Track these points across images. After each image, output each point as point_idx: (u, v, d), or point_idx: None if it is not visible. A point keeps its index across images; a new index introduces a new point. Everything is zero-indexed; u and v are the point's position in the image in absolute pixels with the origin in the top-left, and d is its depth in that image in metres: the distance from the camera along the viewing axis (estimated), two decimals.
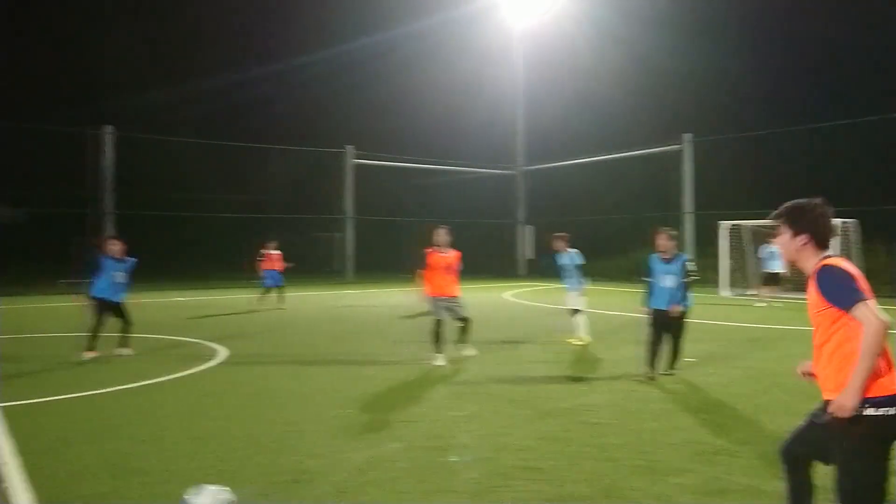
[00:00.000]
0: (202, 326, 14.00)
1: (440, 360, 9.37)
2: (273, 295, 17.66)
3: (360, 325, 14.58)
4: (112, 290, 10.11)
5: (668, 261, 8.46)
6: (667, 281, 8.33)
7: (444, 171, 34.24)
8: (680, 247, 11.87)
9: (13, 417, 6.52)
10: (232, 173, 35.12)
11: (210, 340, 11.61)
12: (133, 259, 10.45)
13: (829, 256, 3.32)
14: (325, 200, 32.09)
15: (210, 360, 9.90)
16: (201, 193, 33.11)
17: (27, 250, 26.83)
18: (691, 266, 8.69)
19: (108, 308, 10.11)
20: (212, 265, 29.13)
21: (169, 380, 8.49)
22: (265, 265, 17.84)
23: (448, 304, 9.69)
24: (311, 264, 37.37)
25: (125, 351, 10.15)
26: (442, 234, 9.78)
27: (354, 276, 29.23)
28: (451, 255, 9.83)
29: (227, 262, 28.34)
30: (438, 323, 9.57)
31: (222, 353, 10.48)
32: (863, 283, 3.18)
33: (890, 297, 18.75)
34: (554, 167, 33.29)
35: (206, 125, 35.14)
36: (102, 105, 32.25)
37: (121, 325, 10.28)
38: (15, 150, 28.63)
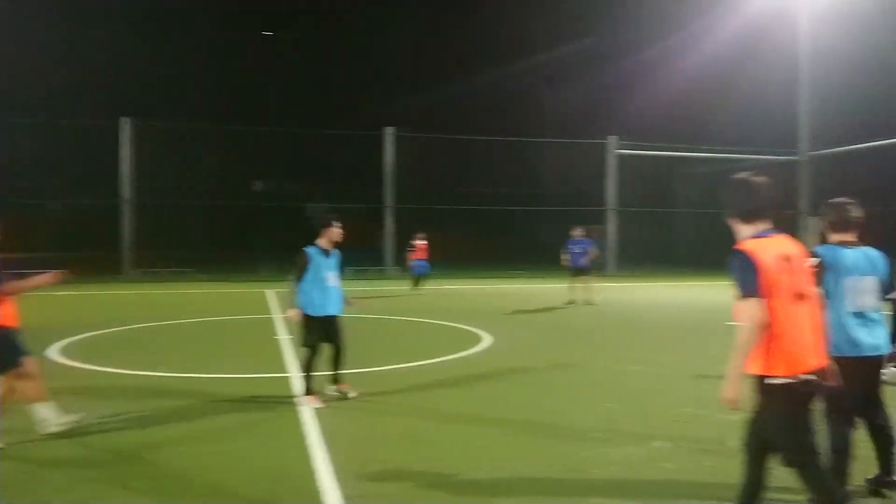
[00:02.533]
0: (470, 313, 14.75)
1: None
2: (421, 282, 19.88)
3: (622, 320, 14.36)
4: None
5: None
6: None
7: (714, 159, 32.28)
8: None
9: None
10: (500, 167, 36.69)
11: (477, 327, 12.24)
12: None
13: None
14: (589, 192, 32.07)
15: (477, 345, 10.48)
16: (473, 188, 35.22)
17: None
18: None
19: None
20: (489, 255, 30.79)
21: (444, 361, 9.15)
22: (414, 255, 19.91)
23: None
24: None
25: None
26: None
27: (616, 269, 28.80)
28: None
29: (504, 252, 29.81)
30: None
31: (488, 339, 11.02)
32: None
33: None
34: (846, 151, 29.65)
35: (472, 121, 37.03)
36: (384, 108, 35.78)
37: None
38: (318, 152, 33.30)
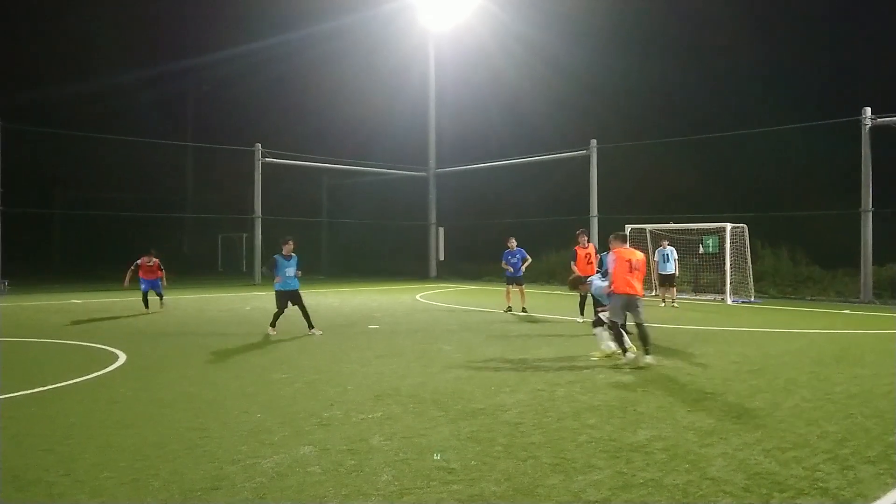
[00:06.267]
0: (101, 330, 13.42)
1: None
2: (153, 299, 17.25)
3: (264, 327, 14.25)
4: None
5: None
6: None
7: (359, 172, 34.06)
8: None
9: None
10: (140, 172, 33.84)
11: (109, 345, 11.13)
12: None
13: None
14: (235, 200, 31.37)
15: (111, 364, 9.50)
16: (105, 192, 31.83)
17: None
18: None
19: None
20: (116, 266, 28.00)
21: (69, 385, 8.09)
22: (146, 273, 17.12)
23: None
24: (220, 265, 36.46)
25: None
26: None
27: (263, 277, 28.57)
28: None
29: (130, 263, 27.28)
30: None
31: (122, 357, 10.07)
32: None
33: (782, 296, 20.01)
34: (464, 170, 33.66)
35: (116, 122, 33.53)
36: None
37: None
38: None
